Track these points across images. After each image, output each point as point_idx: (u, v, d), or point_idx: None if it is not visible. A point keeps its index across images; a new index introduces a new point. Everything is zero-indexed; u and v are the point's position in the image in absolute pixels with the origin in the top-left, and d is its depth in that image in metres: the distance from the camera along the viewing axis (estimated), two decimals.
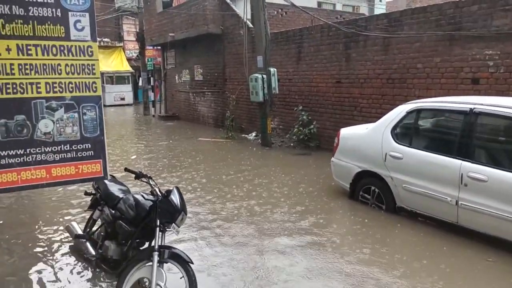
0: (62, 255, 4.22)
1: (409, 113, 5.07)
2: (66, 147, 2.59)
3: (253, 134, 11.91)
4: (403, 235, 4.70)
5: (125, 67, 25.67)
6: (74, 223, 4.48)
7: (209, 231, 4.80)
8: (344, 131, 6.06)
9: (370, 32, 8.41)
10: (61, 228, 4.80)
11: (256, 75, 10.02)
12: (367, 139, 5.51)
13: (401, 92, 7.92)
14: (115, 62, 25.60)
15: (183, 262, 3.35)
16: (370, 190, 5.45)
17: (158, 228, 3.37)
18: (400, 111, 5.20)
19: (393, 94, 8.09)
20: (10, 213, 5.42)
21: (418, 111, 5.03)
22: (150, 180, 3.59)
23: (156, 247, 3.29)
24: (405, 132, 5.14)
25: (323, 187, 6.53)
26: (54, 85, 2.55)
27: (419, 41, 7.53)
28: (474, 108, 4.40)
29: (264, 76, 9.95)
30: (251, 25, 11.47)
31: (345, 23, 9.25)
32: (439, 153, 4.58)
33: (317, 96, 9.98)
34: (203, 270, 3.86)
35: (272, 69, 10.05)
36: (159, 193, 3.51)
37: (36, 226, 4.97)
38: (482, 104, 4.41)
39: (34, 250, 4.32)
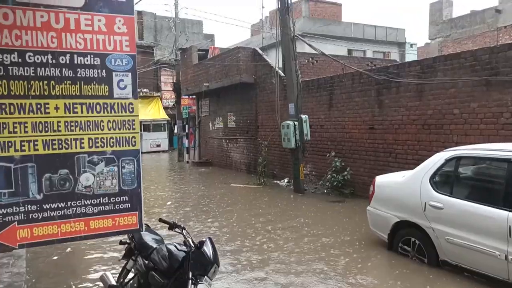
0: None
1: (448, 160, 4.90)
2: (105, 200, 2.67)
3: (286, 180, 11.83)
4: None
5: (162, 115, 26.74)
6: (108, 273, 4.50)
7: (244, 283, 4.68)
8: (380, 179, 5.91)
9: (403, 79, 8.39)
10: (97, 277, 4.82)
11: (288, 122, 10.13)
12: (404, 187, 5.32)
13: (438, 138, 7.72)
14: (152, 111, 26.77)
15: None
16: (410, 242, 5.18)
17: (190, 281, 3.32)
18: (439, 158, 5.03)
19: (430, 140, 7.88)
20: (47, 262, 5.52)
21: (457, 159, 4.85)
22: (183, 231, 3.60)
23: None
24: (444, 181, 4.94)
25: (360, 237, 6.27)
26: (97, 140, 2.67)
27: (454, 86, 7.41)
28: None
29: (296, 122, 10.04)
30: (282, 74, 11.79)
31: (376, 70, 9.32)
32: (483, 203, 4.33)
33: (350, 142, 9.90)
34: None
35: (304, 116, 10.14)
36: (192, 244, 3.50)
37: (74, 276, 5.03)
38: None
39: None
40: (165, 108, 27.48)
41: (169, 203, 9.87)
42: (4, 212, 2.39)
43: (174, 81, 21.45)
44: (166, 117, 26.67)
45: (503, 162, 4.37)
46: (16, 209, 2.42)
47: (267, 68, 13.07)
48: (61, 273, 5.10)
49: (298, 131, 10.04)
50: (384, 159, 8.93)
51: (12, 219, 2.40)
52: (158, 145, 25.57)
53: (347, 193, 9.51)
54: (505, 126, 6.63)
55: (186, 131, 20.83)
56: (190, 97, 20.48)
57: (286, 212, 8.34)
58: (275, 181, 12.02)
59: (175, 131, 23.56)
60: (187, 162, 19.13)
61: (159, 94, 28.08)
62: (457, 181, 4.90)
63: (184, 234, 3.58)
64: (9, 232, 2.40)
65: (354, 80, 9.78)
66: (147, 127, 25.33)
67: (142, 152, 23.54)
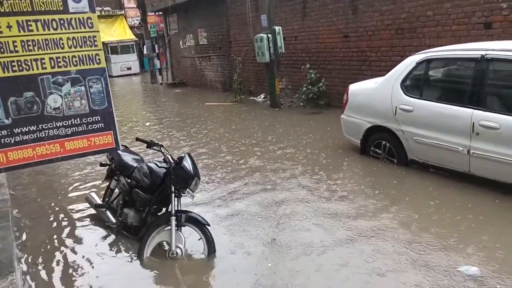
0: (85, 223, 4.39)
1: (418, 64, 4.95)
2: (77, 121, 2.65)
3: (262, 96, 11.83)
4: (415, 184, 4.77)
5: (129, 35, 25.30)
6: (93, 194, 4.65)
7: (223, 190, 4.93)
8: (353, 87, 5.99)
9: None
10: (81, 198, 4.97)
11: (261, 35, 9.80)
12: (376, 93, 5.44)
13: (411, 42, 7.69)
14: (117, 31, 25.22)
15: (200, 225, 3.47)
16: (381, 145, 5.45)
17: (173, 194, 3.48)
18: (410, 62, 5.08)
19: (403, 45, 7.86)
20: (32, 189, 5.61)
21: (427, 61, 4.91)
22: (161, 148, 3.66)
23: (173, 212, 3.42)
24: (415, 84, 5.05)
25: (335, 145, 6.55)
26: (58, 59, 2.56)
27: None
28: (485, 54, 4.27)
29: (270, 35, 9.73)
30: None
31: None
32: (450, 103, 4.52)
33: (325, 52, 9.77)
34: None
35: (277, 28, 9.80)
36: (171, 160, 3.59)
37: (60, 198, 5.16)
38: (494, 50, 4.28)
39: (59, 220, 4.51)
40: (131, 28, 25.93)
41: (148, 123, 9.90)
42: None
43: None
44: (134, 37, 25.29)
45: (470, 61, 4.47)
46: None
47: None
48: (46, 197, 5.22)
49: (272, 44, 9.77)
50: (358, 68, 8.94)
51: None
52: (129, 68, 24.62)
53: (322, 104, 9.64)
54: (476, 25, 6.62)
55: (157, 51, 19.97)
56: (157, 14, 19.28)
57: (261, 125, 8.50)
58: (252, 98, 12.02)
59: (145, 52, 22.58)
60: (161, 83, 18.69)
61: (122, 12, 26.24)
62: (426, 83, 5.02)
63: (163, 151, 3.66)
64: None
65: None
66: (114, 49, 24.07)
67: (112, 76, 22.82)
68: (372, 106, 5.44)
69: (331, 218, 4.05)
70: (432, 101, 4.74)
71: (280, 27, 9.89)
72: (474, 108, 4.25)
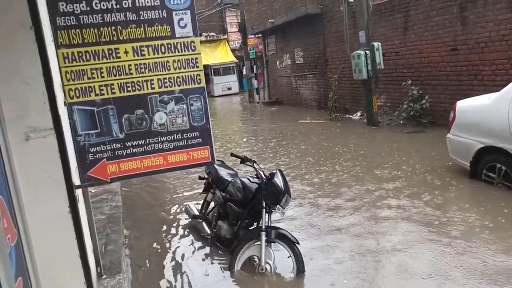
0: (183, 233, 4.68)
1: None
2: (178, 136, 2.85)
3: (358, 114, 11.48)
4: None
5: (230, 58, 26.87)
6: (191, 204, 4.96)
7: (318, 208, 4.83)
8: (462, 104, 5.45)
9: None
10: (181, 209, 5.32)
11: (359, 51, 9.59)
12: (490, 110, 4.87)
13: None
14: (220, 55, 26.98)
15: (290, 242, 3.45)
16: (495, 168, 4.83)
17: (264, 210, 3.53)
18: None
19: None
20: (138, 197, 6.19)
21: None
22: (254, 164, 3.76)
23: (263, 227, 3.45)
24: None
25: (440, 166, 5.99)
26: (165, 80, 2.81)
27: None
28: None
29: (367, 51, 9.46)
30: (351, 0, 10.96)
31: None
32: None
33: (429, 67, 9.12)
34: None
35: (376, 44, 9.50)
36: (263, 176, 3.66)
37: (162, 208, 5.60)
38: None
39: (161, 227, 4.88)
40: (233, 51, 27.52)
41: (245, 139, 10.31)
42: (94, 150, 2.69)
43: (239, 21, 21.13)
44: (234, 59, 26.77)
45: None
46: (103, 148, 2.71)
47: None
48: (151, 207, 5.70)
49: (370, 61, 9.48)
50: (468, 83, 8.14)
51: (101, 156, 2.70)
52: (229, 88, 26.03)
53: (425, 122, 8.97)
54: None
55: (255, 71, 20.82)
56: (256, 36, 20.17)
57: (358, 144, 8.19)
58: (347, 116, 11.74)
59: (244, 72, 23.69)
60: (258, 102, 19.35)
61: (225, 36, 28.05)
62: None
63: (256, 167, 3.75)
64: (101, 168, 2.71)
65: None
66: (217, 71, 25.75)
67: (213, 96, 24.36)
68: (485, 124, 4.87)
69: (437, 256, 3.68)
70: None
71: (379, 43, 9.56)
72: None
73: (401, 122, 9.58)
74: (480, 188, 4.98)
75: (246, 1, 18.98)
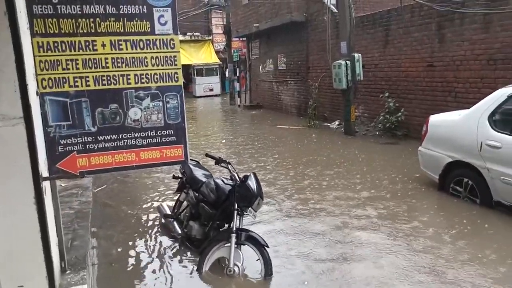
0: (154, 231, 4.63)
1: (510, 97, 4.51)
2: (152, 133, 2.84)
3: (336, 122, 11.65)
4: (500, 230, 4.25)
5: (214, 59, 26.80)
6: (164, 204, 4.92)
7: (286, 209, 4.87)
8: (434, 118, 5.63)
9: (469, 9, 7.59)
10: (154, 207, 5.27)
11: (340, 61, 9.76)
12: (460, 126, 5.04)
13: (504, 74, 7.07)
14: (204, 55, 26.88)
15: (259, 245, 3.46)
16: (462, 182, 5.00)
17: (236, 212, 3.54)
18: (500, 95, 4.66)
19: (495, 76, 7.25)
20: (113, 194, 6.09)
21: None
22: (229, 166, 3.77)
23: (234, 229, 3.46)
24: (505, 119, 4.58)
25: (410, 178, 6.15)
26: (142, 76, 2.79)
27: None
28: None
29: (348, 62, 9.64)
30: (335, 10, 11.15)
31: (439, 1, 8.48)
32: None
33: (406, 81, 9.37)
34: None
35: (357, 55, 9.68)
36: (237, 178, 3.67)
37: (134, 206, 5.53)
38: None
39: (132, 225, 4.82)
40: (217, 52, 27.48)
41: (224, 141, 10.33)
42: (65, 142, 2.64)
43: (225, 23, 21.14)
44: (218, 61, 26.71)
45: None
46: (74, 140, 2.67)
47: (318, 5, 12.41)
48: (122, 203, 5.62)
49: (350, 71, 9.66)
50: (442, 99, 8.41)
51: (72, 148, 2.65)
52: (211, 89, 25.93)
53: (400, 135, 9.20)
54: None
55: (238, 74, 20.84)
56: (241, 39, 20.23)
57: (333, 152, 8.31)
58: (326, 124, 11.90)
59: (227, 75, 23.67)
60: (239, 105, 19.36)
61: (210, 37, 27.98)
62: None
63: (230, 169, 3.76)
64: (70, 161, 2.66)
65: (414, 13, 9.02)
66: (199, 71, 25.62)
67: (195, 96, 24.24)
68: (455, 139, 5.05)
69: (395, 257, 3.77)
70: None
71: (359, 54, 9.75)
72: None
73: (377, 133, 9.78)
74: (446, 201, 5.13)
75: (233, 4, 19.01)
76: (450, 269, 3.49)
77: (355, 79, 9.72)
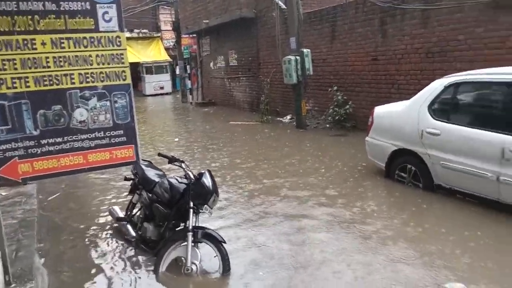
0: (106, 236, 4.48)
1: (446, 87, 4.85)
2: (100, 134, 2.75)
3: (288, 117, 11.86)
4: (440, 210, 4.58)
5: (163, 56, 26.20)
6: (116, 207, 4.76)
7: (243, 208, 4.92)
8: (379, 109, 5.91)
9: (409, 5, 8.03)
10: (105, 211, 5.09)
11: (290, 57, 9.92)
12: (402, 116, 5.34)
13: (441, 66, 7.56)
14: (153, 52, 26.19)
15: (216, 242, 3.47)
16: (406, 169, 5.31)
17: (191, 210, 3.51)
18: (438, 85, 4.99)
19: (433, 68, 7.73)
20: (58, 200, 5.80)
21: (456, 85, 4.79)
22: (182, 164, 3.73)
23: (190, 227, 3.43)
24: (443, 108, 4.93)
25: (358, 167, 6.43)
26: (87, 75, 2.69)
27: (461, 11, 7.11)
28: None
29: (298, 57, 9.83)
30: (284, 6, 11.31)
31: None
32: (479, 128, 4.37)
33: (353, 75, 9.74)
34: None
35: (306, 50, 9.90)
36: (191, 176, 3.64)
37: (84, 211, 5.30)
38: None
39: (82, 231, 4.62)
40: (167, 49, 26.87)
41: (176, 139, 10.18)
42: (4, 148, 2.49)
43: (173, 19, 20.70)
44: (168, 58, 26.16)
45: (502, 86, 4.33)
46: (15, 145, 2.52)
47: (267, 1, 12.51)
48: (70, 209, 5.37)
49: (300, 66, 9.86)
50: (386, 91, 8.84)
51: (12, 154, 2.51)
52: (162, 88, 25.36)
53: (349, 126, 9.56)
54: (510, 50, 6.44)
55: (188, 71, 20.53)
56: (191, 36, 19.92)
57: (285, 145, 8.48)
58: (278, 118, 12.08)
59: (177, 72, 23.25)
60: (191, 103, 19.11)
61: (159, 34, 27.31)
62: (455, 107, 4.89)
63: (184, 167, 3.72)
64: (11, 167, 2.51)
65: (358, 9, 9.38)
66: (149, 69, 24.96)
67: (145, 95, 23.59)
68: (398, 129, 5.34)
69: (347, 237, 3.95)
70: (460, 125, 4.60)
71: (308, 50, 9.98)
72: (504, 134, 4.09)
73: (327, 125, 10.09)
74: (392, 187, 5.43)
75: (181, 0, 18.67)
76: (389, 245, 3.71)
77: (305, 74, 9.94)
